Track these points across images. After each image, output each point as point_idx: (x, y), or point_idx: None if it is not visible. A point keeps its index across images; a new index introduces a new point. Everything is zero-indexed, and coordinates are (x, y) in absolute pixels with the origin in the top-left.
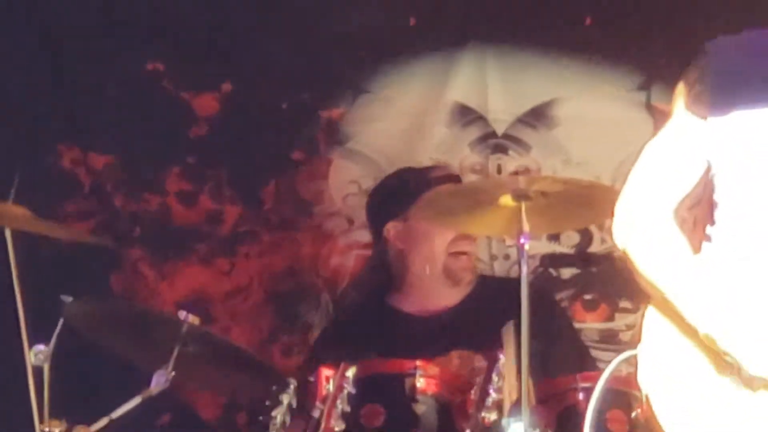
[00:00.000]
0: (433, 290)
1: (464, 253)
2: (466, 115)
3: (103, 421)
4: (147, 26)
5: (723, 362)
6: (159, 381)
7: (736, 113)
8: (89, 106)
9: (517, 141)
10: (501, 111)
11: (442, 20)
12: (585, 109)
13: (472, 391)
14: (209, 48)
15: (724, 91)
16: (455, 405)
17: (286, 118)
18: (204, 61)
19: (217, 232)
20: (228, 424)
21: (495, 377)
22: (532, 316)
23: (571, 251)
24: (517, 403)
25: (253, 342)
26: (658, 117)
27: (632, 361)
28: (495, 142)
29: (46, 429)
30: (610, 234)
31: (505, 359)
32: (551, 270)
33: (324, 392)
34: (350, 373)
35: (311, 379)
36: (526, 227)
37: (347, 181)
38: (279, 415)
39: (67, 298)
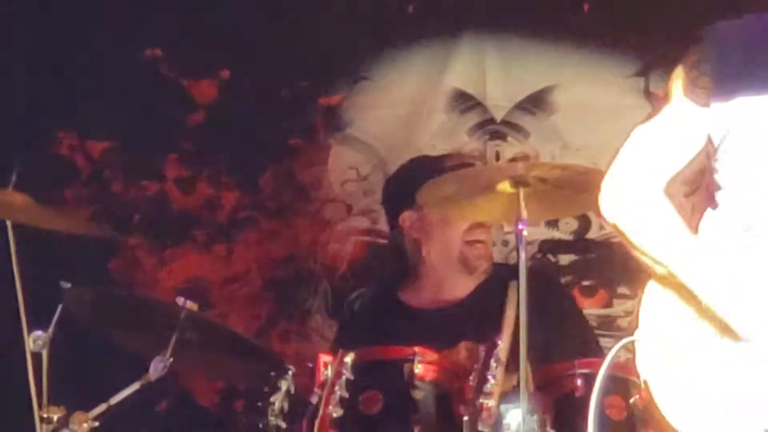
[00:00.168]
0: (448, 280)
1: (480, 242)
2: (464, 101)
3: (101, 407)
4: (146, 13)
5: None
6: (157, 367)
7: (738, 99)
8: (88, 93)
9: (515, 127)
10: (499, 97)
11: (441, 7)
12: (583, 95)
13: (471, 378)
14: (208, 35)
15: (726, 78)
16: (454, 391)
17: (284, 105)
18: (202, 47)
19: (216, 219)
20: (226, 411)
21: (493, 364)
22: (540, 301)
23: (570, 237)
24: (515, 389)
25: (252, 328)
26: (656, 103)
27: (631, 348)
28: (493, 129)
29: (45, 415)
30: (600, 216)
31: (507, 313)
32: (549, 256)
33: (322, 378)
34: (348, 359)
35: (310, 365)
36: (524, 213)
37: (346, 168)
38: (277, 401)
39: (66, 285)
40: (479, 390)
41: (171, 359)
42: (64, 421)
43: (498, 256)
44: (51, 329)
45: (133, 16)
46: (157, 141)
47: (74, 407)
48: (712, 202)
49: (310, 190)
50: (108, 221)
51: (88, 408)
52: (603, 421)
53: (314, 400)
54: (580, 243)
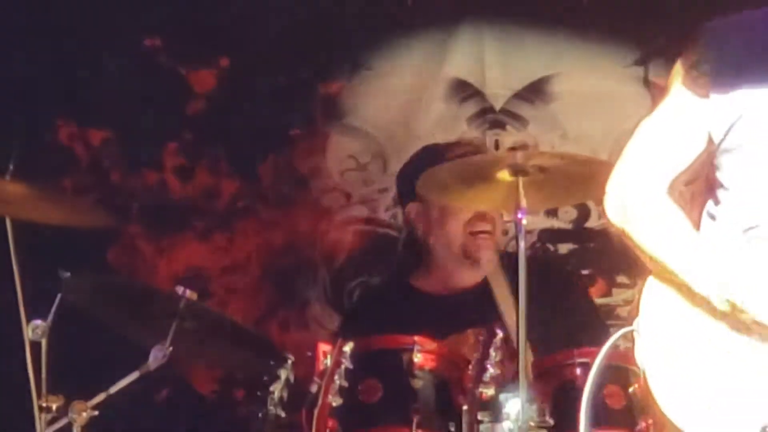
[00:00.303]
0: (455, 270)
1: (484, 233)
2: (463, 90)
3: (100, 396)
4: (145, 2)
5: (738, 322)
6: (157, 356)
7: (738, 97)
8: (87, 82)
9: (514, 116)
10: (498, 86)
11: None
12: (582, 84)
13: (470, 367)
14: (207, 23)
15: (726, 72)
16: (453, 380)
17: (283, 94)
18: (201, 36)
19: (215, 208)
20: (226, 400)
21: (493, 352)
22: (548, 290)
23: (569, 226)
24: (514, 379)
25: (251, 317)
26: (656, 92)
27: (630, 337)
28: (492, 118)
29: (44, 404)
30: (605, 215)
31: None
32: (549, 245)
33: (322, 367)
34: (348, 348)
35: (309, 354)
36: (523, 202)
37: (345, 157)
38: (277, 390)
39: (65, 274)
40: (478, 379)
41: (170, 348)
42: (64, 410)
43: None
44: (50, 318)
45: (132, 5)
46: (156, 130)
47: (73, 396)
48: (711, 194)
49: (309, 179)
50: (107, 210)
51: (87, 397)
52: (602, 409)
53: (314, 389)
54: (579, 232)
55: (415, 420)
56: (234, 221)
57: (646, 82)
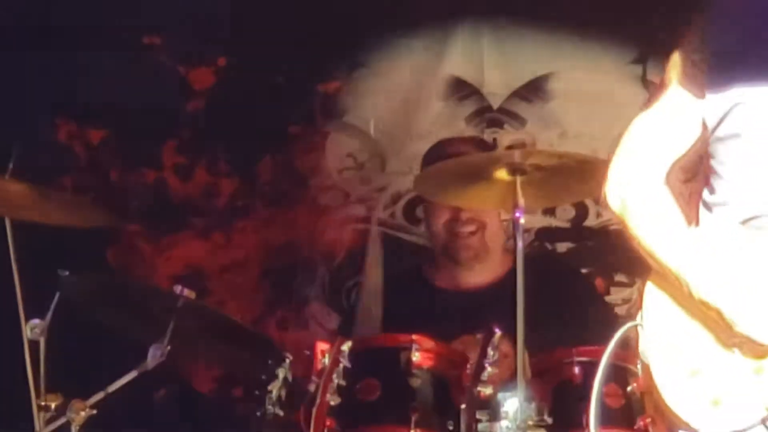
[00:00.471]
0: (456, 268)
1: (469, 233)
2: (461, 89)
3: (99, 395)
4: (144, 0)
5: (729, 335)
6: (155, 355)
7: (734, 89)
8: (86, 81)
9: (512, 115)
10: (497, 85)
11: None
12: (581, 82)
13: (468, 365)
14: (206, 22)
15: (724, 64)
16: (451, 379)
17: (282, 92)
18: (200, 35)
19: (214, 206)
20: (224, 398)
21: (491, 351)
22: (561, 290)
23: (567, 225)
24: (512, 378)
25: (249, 316)
26: (654, 91)
27: (630, 333)
28: (490, 116)
29: (43, 403)
30: (606, 208)
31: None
32: (547, 244)
33: (320, 366)
34: (346, 347)
35: (307, 352)
36: (521, 201)
37: (343, 155)
38: (275, 389)
39: (64, 272)
40: (477, 378)
41: (169, 347)
42: (62, 409)
43: None
44: (48, 317)
45: (131, 4)
46: (155, 128)
47: (72, 395)
48: (707, 183)
49: (308, 177)
50: (106, 209)
51: (85, 396)
52: (601, 409)
53: (312, 387)
54: (577, 230)
55: (413, 419)
56: (233, 220)
57: (645, 81)
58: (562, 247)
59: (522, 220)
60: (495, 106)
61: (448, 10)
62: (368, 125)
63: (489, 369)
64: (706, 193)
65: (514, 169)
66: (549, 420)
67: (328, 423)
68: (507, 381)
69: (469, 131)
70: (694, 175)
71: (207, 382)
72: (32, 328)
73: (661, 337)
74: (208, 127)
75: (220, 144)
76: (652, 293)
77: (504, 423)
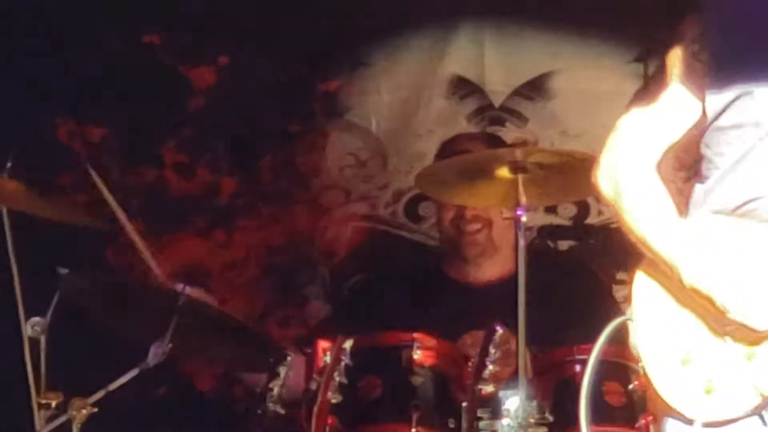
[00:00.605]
0: (465, 264)
1: (475, 231)
2: (463, 87)
3: (100, 393)
4: None
5: (722, 322)
6: (156, 353)
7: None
8: (86, 79)
9: (514, 113)
10: (498, 83)
11: None
12: (582, 81)
13: (469, 363)
14: (206, 20)
15: (721, 69)
16: (452, 377)
17: (283, 91)
18: (201, 33)
19: (214, 205)
20: (225, 396)
21: (492, 349)
22: (571, 287)
23: (568, 223)
24: (514, 375)
25: (250, 314)
26: (651, 86)
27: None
28: (492, 114)
29: (43, 401)
30: (607, 206)
31: None
32: (548, 242)
33: (321, 364)
34: (347, 345)
35: (308, 350)
36: (523, 199)
37: (344, 154)
38: (276, 387)
39: (64, 271)
40: (478, 376)
41: (170, 345)
42: (63, 407)
43: None
44: (49, 315)
45: (131, 3)
46: (156, 126)
47: (72, 393)
48: (698, 170)
49: (309, 176)
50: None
51: (86, 394)
52: (602, 407)
53: (313, 386)
54: (578, 228)
55: (414, 417)
56: (234, 218)
57: (646, 79)
58: (564, 244)
59: (524, 218)
60: (497, 104)
61: (449, 8)
62: (369, 123)
63: (490, 367)
64: (698, 186)
65: (516, 167)
66: (550, 418)
67: (329, 421)
68: (510, 379)
69: (471, 129)
70: (695, 174)
71: (208, 380)
72: (32, 326)
73: (651, 327)
74: (209, 126)
75: (221, 142)
76: (642, 282)
77: (505, 421)
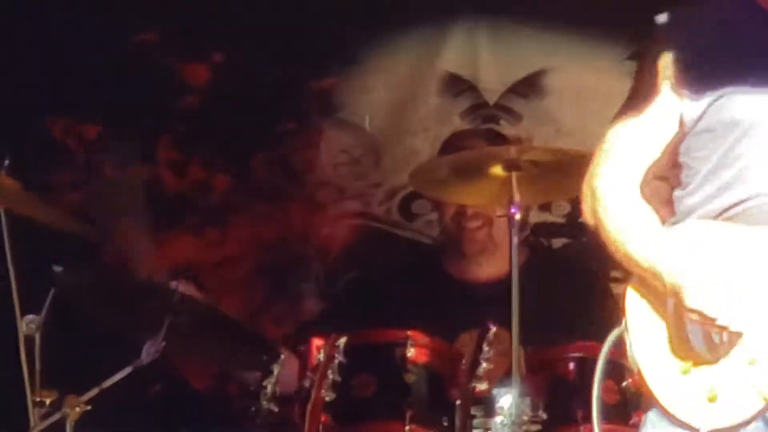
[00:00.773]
0: (464, 261)
1: (475, 228)
2: (457, 84)
3: (94, 391)
4: None
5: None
6: (150, 351)
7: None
8: (80, 76)
9: (508, 111)
10: (492, 81)
11: None
12: (576, 79)
13: (463, 361)
14: (201, 18)
15: (698, 77)
16: (446, 375)
17: (277, 89)
18: (195, 31)
19: (208, 202)
20: (219, 394)
21: (485, 347)
22: (569, 285)
23: (562, 221)
24: (508, 373)
25: (244, 312)
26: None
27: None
28: (486, 112)
29: (38, 398)
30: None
31: None
32: (542, 239)
33: (315, 362)
34: (341, 342)
35: (302, 348)
36: (517, 197)
37: (338, 151)
38: (270, 385)
39: (58, 268)
40: (471, 373)
41: (164, 343)
42: (57, 405)
43: None
44: (43, 313)
45: (126, 0)
46: (149, 124)
47: (67, 391)
48: (677, 179)
49: (303, 173)
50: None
51: (80, 391)
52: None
53: (306, 383)
54: (572, 226)
55: (408, 414)
56: (227, 215)
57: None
58: (558, 242)
59: (517, 216)
60: (491, 102)
61: (443, 6)
62: (363, 121)
63: (484, 365)
64: (677, 192)
65: (510, 165)
66: (544, 416)
67: (323, 419)
68: (503, 376)
69: (465, 127)
70: (676, 177)
71: (202, 378)
72: (27, 324)
73: (647, 340)
74: (203, 123)
75: (214, 140)
76: (633, 298)
77: (499, 419)
